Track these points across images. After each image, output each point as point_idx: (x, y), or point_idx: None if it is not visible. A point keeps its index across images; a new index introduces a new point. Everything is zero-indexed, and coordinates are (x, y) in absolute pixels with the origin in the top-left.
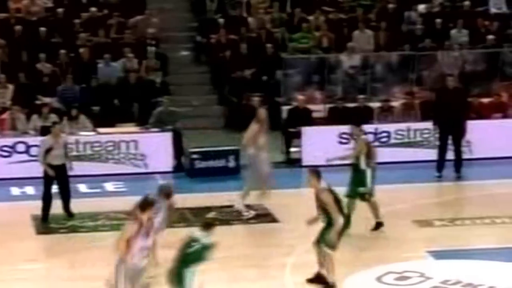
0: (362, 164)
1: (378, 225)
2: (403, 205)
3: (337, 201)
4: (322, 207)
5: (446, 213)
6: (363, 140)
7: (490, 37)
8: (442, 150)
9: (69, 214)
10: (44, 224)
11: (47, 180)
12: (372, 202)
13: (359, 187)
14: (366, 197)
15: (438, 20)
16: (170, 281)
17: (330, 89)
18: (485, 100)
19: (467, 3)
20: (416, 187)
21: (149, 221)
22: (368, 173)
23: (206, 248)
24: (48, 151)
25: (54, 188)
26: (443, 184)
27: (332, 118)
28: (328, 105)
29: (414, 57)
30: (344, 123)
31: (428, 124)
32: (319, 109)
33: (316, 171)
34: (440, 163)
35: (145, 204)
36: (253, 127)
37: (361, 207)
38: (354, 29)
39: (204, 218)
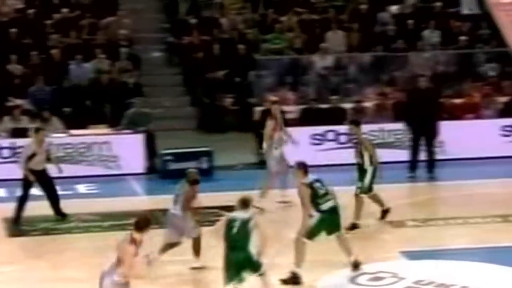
0: (366, 163)
1: (353, 227)
2: (376, 206)
3: (315, 197)
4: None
5: (419, 214)
6: (367, 139)
7: (462, 38)
8: (415, 151)
9: (62, 215)
10: (15, 226)
11: (26, 184)
12: (359, 200)
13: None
14: (357, 191)
15: (410, 21)
16: (247, 267)
17: (302, 90)
18: (458, 100)
19: (439, 4)
20: (389, 188)
21: (141, 242)
22: (369, 171)
23: (246, 222)
24: (31, 156)
25: (35, 192)
26: (416, 184)
27: (305, 119)
28: (301, 106)
29: (386, 58)
30: (316, 124)
31: (401, 125)
32: (291, 110)
33: (302, 164)
34: (413, 163)
35: (143, 224)
36: (269, 124)
37: None
38: (327, 30)
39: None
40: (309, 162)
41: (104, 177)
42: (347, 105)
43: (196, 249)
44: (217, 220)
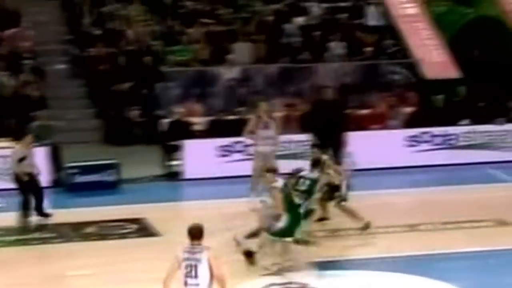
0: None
1: (366, 226)
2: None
3: (285, 200)
4: None
5: (327, 224)
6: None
7: (368, 49)
8: None
9: (46, 215)
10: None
11: (22, 187)
12: (345, 208)
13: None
14: (337, 201)
15: (316, 33)
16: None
17: (210, 101)
18: (364, 111)
19: (344, 15)
20: None
21: None
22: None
23: (315, 182)
24: (21, 160)
25: None
26: None
27: (213, 131)
28: (208, 118)
29: (293, 69)
30: (224, 136)
31: (308, 136)
32: (199, 122)
33: (272, 169)
34: None
35: (200, 232)
36: (252, 119)
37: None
38: (233, 42)
39: (313, 156)
40: (217, 173)
41: (8, 191)
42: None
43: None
44: (123, 233)
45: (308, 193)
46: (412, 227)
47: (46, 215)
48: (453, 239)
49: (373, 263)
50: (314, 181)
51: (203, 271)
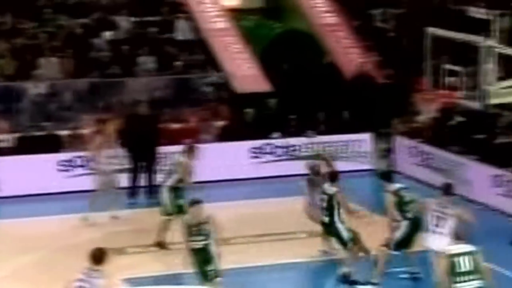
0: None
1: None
2: (96, 234)
3: None
4: None
5: (139, 240)
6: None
7: (178, 63)
8: (135, 177)
9: None
10: None
11: None
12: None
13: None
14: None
15: (125, 47)
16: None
17: (16, 118)
18: (176, 125)
19: (153, 29)
20: (108, 214)
21: None
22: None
23: (332, 197)
24: None
25: None
26: (136, 210)
27: (21, 148)
28: (15, 135)
29: (102, 84)
30: (33, 152)
31: (121, 151)
32: (5, 138)
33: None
34: (133, 189)
35: (103, 256)
36: (97, 139)
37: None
38: (39, 56)
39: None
40: (26, 191)
41: None
42: (63, 132)
43: None
44: None
45: (328, 209)
46: (225, 241)
47: None
48: (265, 251)
49: (187, 277)
50: (330, 197)
51: None
